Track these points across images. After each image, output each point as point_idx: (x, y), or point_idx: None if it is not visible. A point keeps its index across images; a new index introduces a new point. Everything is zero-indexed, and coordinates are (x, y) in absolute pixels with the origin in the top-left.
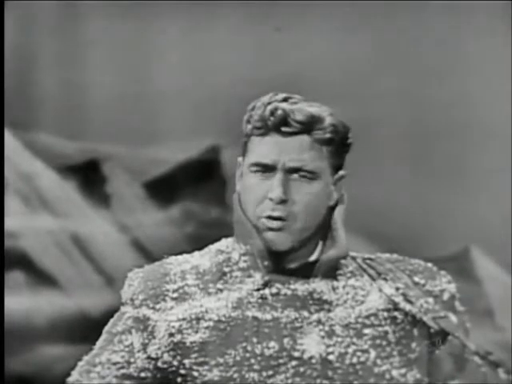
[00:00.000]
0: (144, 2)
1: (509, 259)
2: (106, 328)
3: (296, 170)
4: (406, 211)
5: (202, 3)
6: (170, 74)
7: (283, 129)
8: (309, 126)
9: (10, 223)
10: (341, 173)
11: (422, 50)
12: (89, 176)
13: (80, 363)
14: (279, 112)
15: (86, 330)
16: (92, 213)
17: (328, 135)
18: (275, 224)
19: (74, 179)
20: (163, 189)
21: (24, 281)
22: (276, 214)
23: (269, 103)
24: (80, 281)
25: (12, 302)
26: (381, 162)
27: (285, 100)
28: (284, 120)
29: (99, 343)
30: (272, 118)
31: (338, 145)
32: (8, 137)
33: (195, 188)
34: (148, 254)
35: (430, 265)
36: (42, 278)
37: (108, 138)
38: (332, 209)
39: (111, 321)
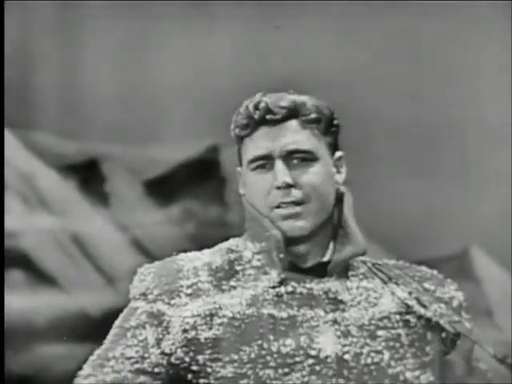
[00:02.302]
0: (144, 2)
1: (508, 259)
2: (117, 323)
3: (293, 153)
4: (405, 211)
5: (202, 3)
6: (170, 73)
7: (269, 117)
8: (293, 110)
9: (9, 223)
10: (338, 153)
11: (421, 50)
12: (88, 175)
13: (91, 357)
14: (262, 104)
15: (86, 330)
16: (92, 212)
17: (314, 115)
18: (293, 210)
19: (74, 179)
20: (163, 188)
21: (24, 280)
22: (289, 199)
23: (250, 102)
24: (80, 280)
25: (12, 302)
26: (380, 161)
27: (264, 96)
28: (268, 109)
29: (110, 337)
30: (257, 111)
31: (327, 124)
32: (8, 136)
33: (195, 187)
34: (148, 254)
35: (435, 272)
36: (41, 277)
37: (107, 138)
38: (340, 205)
39: (121, 315)
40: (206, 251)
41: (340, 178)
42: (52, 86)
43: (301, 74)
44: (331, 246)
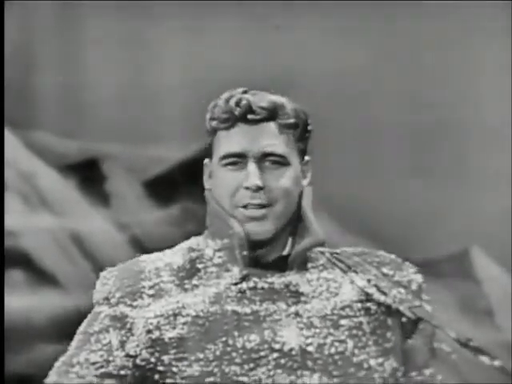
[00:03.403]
0: (144, 2)
1: (509, 259)
2: (81, 329)
3: (267, 156)
4: (405, 211)
5: (202, 3)
6: (170, 72)
7: (250, 116)
8: (273, 112)
9: (9, 222)
10: (307, 158)
11: (421, 50)
12: (88, 175)
13: (56, 364)
14: (244, 102)
15: None
16: (91, 211)
17: (292, 120)
18: (258, 212)
19: (74, 178)
20: (163, 187)
21: (24, 280)
22: (256, 201)
23: (231, 97)
24: (79, 279)
25: (12, 301)
26: (380, 161)
27: (245, 92)
28: (250, 108)
29: (74, 344)
30: (238, 108)
31: (302, 130)
32: (8, 136)
33: (195, 187)
34: (147, 253)
35: (394, 256)
36: (41, 276)
37: (108, 137)
38: (299, 200)
39: (85, 321)
40: (168, 251)
41: (305, 182)
42: (52, 86)
43: (300, 74)
44: (290, 239)
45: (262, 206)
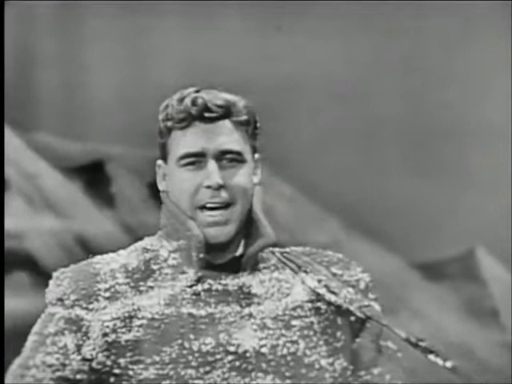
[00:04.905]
0: (144, 2)
1: None
2: (35, 329)
3: (225, 154)
4: (410, 212)
5: (202, 3)
6: (171, 73)
7: (206, 114)
8: (227, 109)
9: (13, 224)
10: (256, 156)
11: (422, 51)
12: (93, 176)
13: (12, 367)
14: (200, 100)
15: None
16: (96, 213)
17: (245, 117)
18: (220, 217)
19: (79, 180)
20: None
21: (28, 282)
22: (216, 199)
23: (184, 96)
24: None
25: (15, 303)
26: (383, 162)
27: (197, 91)
28: (206, 106)
29: (29, 345)
30: (195, 107)
31: (253, 127)
32: (11, 137)
33: None
34: None
35: (341, 255)
36: (45, 278)
37: (112, 139)
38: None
39: (39, 322)
40: (122, 252)
41: (256, 180)
42: (55, 86)
43: (301, 75)
44: (242, 241)
45: (222, 206)
